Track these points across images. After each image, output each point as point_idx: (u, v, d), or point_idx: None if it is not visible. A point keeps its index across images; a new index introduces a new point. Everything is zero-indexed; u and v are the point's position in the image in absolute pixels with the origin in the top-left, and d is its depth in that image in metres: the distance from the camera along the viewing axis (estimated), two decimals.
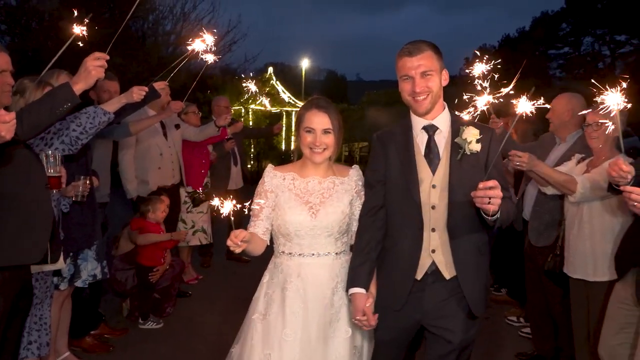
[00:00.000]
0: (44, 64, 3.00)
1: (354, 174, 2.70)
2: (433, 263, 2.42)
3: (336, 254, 2.61)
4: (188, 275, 6.00)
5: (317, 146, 2.53)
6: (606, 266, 3.20)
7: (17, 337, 2.93)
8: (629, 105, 2.15)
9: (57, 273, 3.52)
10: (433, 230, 2.41)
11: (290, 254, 2.59)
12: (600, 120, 3.13)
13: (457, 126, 2.43)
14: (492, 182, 2.11)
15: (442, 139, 2.46)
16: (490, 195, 2.11)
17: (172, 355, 4.21)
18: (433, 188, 2.41)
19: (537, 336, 4.27)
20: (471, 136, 2.37)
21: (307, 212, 2.54)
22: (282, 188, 2.60)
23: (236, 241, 2.19)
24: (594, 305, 3.30)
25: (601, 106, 2.15)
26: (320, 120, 2.53)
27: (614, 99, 2.15)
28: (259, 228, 2.57)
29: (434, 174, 2.42)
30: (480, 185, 2.11)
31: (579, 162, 3.50)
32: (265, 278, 2.65)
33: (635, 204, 2.36)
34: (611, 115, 2.08)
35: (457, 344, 2.46)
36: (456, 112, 2.51)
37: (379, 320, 2.46)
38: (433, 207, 2.40)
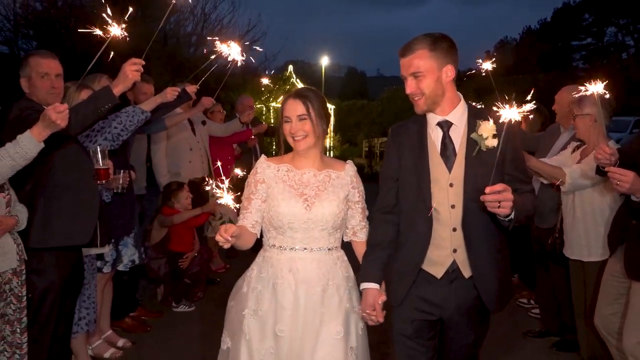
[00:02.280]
0: (71, 68, 3.31)
1: (349, 169, 2.61)
2: (454, 262, 2.35)
3: (328, 249, 2.51)
4: (216, 264, 6.37)
5: (295, 133, 2.45)
6: (599, 247, 3.48)
7: (71, 312, 3.33)
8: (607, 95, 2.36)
9: (100, 257, 3.90)
10: (454, 229, 2.33)
11: (281, 247, 2.48)
12: (584, 112, 3.40)
13: (473, 120, 2.30)
14: (500, 186, 2.05)
15: (458, 135, 2.34)
16: (499, 199, 2.05)
17: (203, 335, 4.56)
18: (450, 187, 2.32)
19: (545, 315, 4.57)
20: (487, 131, 2.24)
21: (301, 204, 2.44)
22: (275, 179, 2.49)
23: (226, 236, 2.11)
24: (590, 283, 3.58)
25: (581, 97, 2.41)
26: (294, 108, 2.45)
27: (594, 90, 2.42)
28: (248, 221, 2.48)
29: (450, 172, 2.32)
30: (487, 189, 2.04)
31: (574, 150, 3.76)
32: (253, 272, 2.54)
33: (619, 182, 2.64)
34: (587, 102, 2.26)
35: (472, 340, 2.48)
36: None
37: (400, 315, 2.46)
38: (453, 207, 2.31)
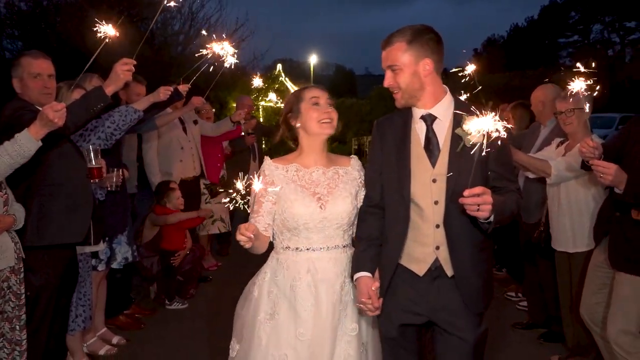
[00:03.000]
0: (57, 67, 3.33)
1: (355, 163, 2.59)
2: (437, 259, 2.30)
3: (343, 246, 2.49)
4: (208, 262, 6.43)
5: (327, 115, 2.43)
6: (585, 237, 3.57)
7: (66, 310, 3.38)
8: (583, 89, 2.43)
9: (95, 255, 3.94)
10: (437, 226, 2.28)
11: (297, 249, 2.43)
12: (572, 107, 3.50)
13: (459, 115, 2.19)
14: (479, 189, 1.99)
15: (443, 129, 2.28)
16: (478, 202, 2.00)
17: (196, 331, 4.61)
18: (434, 182, 2.26)
19: (532, 307, 4.68)
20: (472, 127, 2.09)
21: (315, 203, 2.39)
22: (285, 180, 2.42)
23: (248, 234, 2.08)
24: (575, 273, 3.68)
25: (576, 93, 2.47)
26: (322, 93, 2.47)
27: (577, 86, 2.50)
28: (260, 224, 2.39)
29: (434, 167, 2.27)
30: (466, 192, 1.99)
31: (558, 145, 3.85)
32: (267, 276, 2.48)
33: (602, 175, 2.75)
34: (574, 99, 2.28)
35: (472, 342, 2.33)
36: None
37: (385, 317, 2.41)
38: (436, 203, 2.26)
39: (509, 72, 24.90)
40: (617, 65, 29.05)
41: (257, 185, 2.07)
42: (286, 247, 2.46)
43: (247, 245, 2.14)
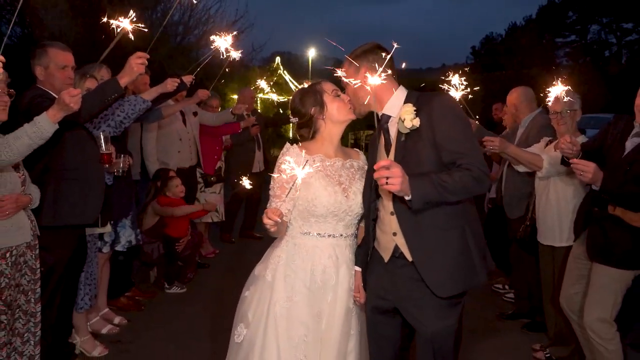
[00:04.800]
0: None
1: (363, 158, 2.72)
2: (397, 246, 2.42)
3: (355, 235, 2.63)
4: (206, 249, 6.61)
5: (349, 103, 2.56)
6: (569, 232, 3.73)
7: (74, 287, 3.57)
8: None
9: (100, 237, 4.12)
10: (392, 213, 2.41)
11: (319, 234, 2.54)
12: (568, 108, 3.68)
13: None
14: (386, 162, 2.08)
15: (394, 125, 2.42)
16: (385, 175, 2.06)
17: (195, 314, 4.80)
18: None
19: (518, 298, 4.91)
20: (404, 114, 2.29)
21: (341, 193, 2.50)
22: (313, 169, 2.48)
23: (275, 218, 2.16)
24: (558, 266, 3.86)
25: (552, 95, 2.66)
26: (334, 86, 2.62)
27: (558, 89, 2.69)
28: (282, 209, 2.38)
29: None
30: (375, 166, 2.08)
31: (547, 144, 4.00)
32: (282, 260, 2.53)
33: (582, 173, 2.93)
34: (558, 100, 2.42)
35: (428, 335, 2.38)
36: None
37: (367, 301, 2.57)
38: (390, 192, 2.31)
39: (506, 70, 25.02)
40: (614, 67, 29.20)
41: (299, 172, 2.14)
42: (305, 233, 2.55)
43: (273, 230, 2.23)
